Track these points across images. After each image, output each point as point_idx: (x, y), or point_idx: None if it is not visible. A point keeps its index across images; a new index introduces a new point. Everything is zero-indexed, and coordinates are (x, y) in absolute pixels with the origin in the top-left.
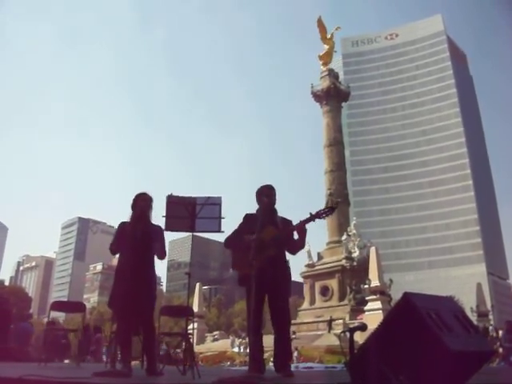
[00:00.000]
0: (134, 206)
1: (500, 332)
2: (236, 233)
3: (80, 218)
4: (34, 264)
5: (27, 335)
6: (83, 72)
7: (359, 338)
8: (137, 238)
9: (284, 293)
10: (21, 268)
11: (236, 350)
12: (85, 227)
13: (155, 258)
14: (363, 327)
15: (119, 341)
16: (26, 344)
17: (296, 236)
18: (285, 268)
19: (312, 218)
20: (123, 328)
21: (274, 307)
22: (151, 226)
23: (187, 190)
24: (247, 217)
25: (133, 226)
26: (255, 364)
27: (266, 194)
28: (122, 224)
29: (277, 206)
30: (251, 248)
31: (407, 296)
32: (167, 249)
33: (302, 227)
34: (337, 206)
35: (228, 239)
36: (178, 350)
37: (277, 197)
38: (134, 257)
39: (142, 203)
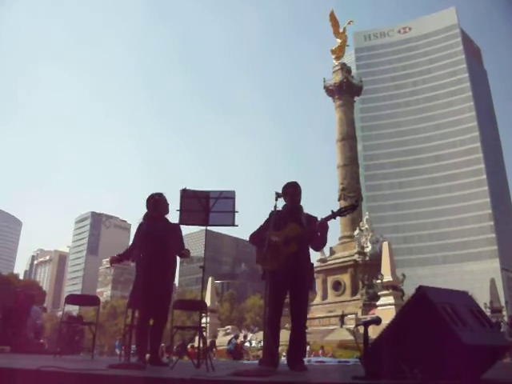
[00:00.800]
0: (149, 206)
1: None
2: (261, 229)
3: (93, 213)
4: (47, 258)
5: (39, 320)
6: (98, 66)
7: (372, 332)
8: (155, 237)
9: (306, 289)
10: (35, 262)
11: (248, 344)
12: (98, 222)
13: (176, 255)
14: (378, 321)
15: (136, 334)
16: (39, 332)
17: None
18: (308, 264)
19: (333, 215)
20: (141, 322)
21: (295, 303)
22: (169, 224)
23: (200, 184)
24: (272, 213)
25: (150, 225)
26: (269, 357)
27: (291, 193)
28: (140, 225)
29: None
30: (274, 244)
31: (422, 289)
32: None
33: (324, 224)
34: (358, 205)
35: (252, 235)
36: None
37: (301, 194)
38: (153, 255)
39: (156, 203)
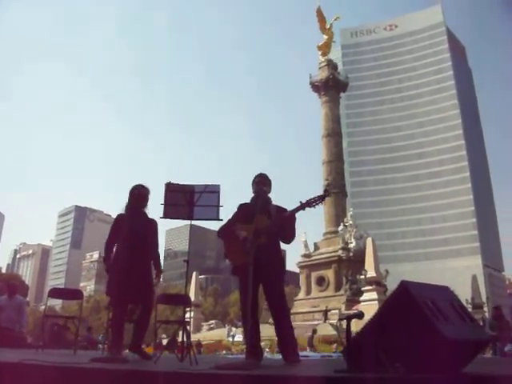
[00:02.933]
0: (130, 198)
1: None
2: (229, 222)
3: (77, 207)
4: (30, 252)
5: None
6: (88, 56)
7: (355, 327)
8: (134, 230)
9: (278, 280)
10: (17, 256)
11: (231, 339)
12: (81, 215)
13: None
14: (360, 315)
15: (113, 328)
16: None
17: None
18: (278, 256)
19: (302, 206)
20: (118, 316)
21: (270, 295)
22: (148, 219)
23: (185, 178)
24: (241, 206)
25: (130, 219)
26: (252, 351)
27: (257, 183)
28: (119, 216)
29: (274, 196)
30: (240, 237)
31: (404, 284)
32: (164, 239)
33: (291, 216)
34: (327, 194)
35: (221, 229)
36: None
37: (271, 185)
38: (131, 248)
39: (139, 195)
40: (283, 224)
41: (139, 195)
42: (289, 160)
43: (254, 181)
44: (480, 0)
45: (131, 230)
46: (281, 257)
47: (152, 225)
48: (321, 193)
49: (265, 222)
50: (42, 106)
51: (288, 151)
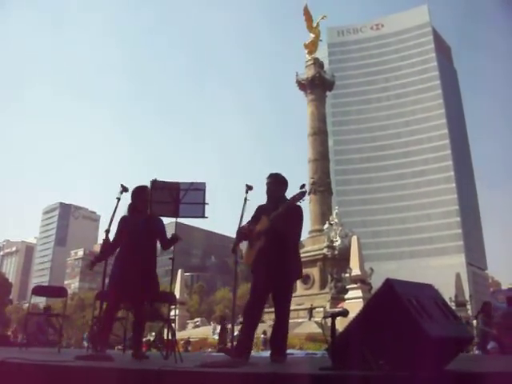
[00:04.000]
0: (133, 199)
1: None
2: (247, 224)
3: (61, 204)
4: (14, 249)
5: None
6: (73, 55)
7: (339, 325)
8: (135, 231)
9: (291, 286)
10: (1, 253)
11: (216, 337)
12: (66, 212)
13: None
14: (345, 313)
15: (103, 324)
16: None
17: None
18: (285, 255)
19: (289, 204)
20: (108, 313)
21: (279, 299)
22: (151, 219)
23: (171, 175)
24: (257, 208)
25: (132, 219)
26: (242, 349)
27: (267, 183)
28: (122, 218)
29: (259, 195)
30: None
31: (389, 282)
32: None
33: (282, 215)
34: (305, 190)
35: (237, 232)
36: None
37: (284, 184)
38: (132, 248)
39: (143, 196)
40: (283, 222)
41: (141, 196)
42: (274, 158)
43: (266, 181)
44: (466, 1)
45: (133, 231)
46: (294, 257)
47: (156, 224)
48: (300, 189)
49: (266, 223)
50: (27, 101)
51: (273, 149)
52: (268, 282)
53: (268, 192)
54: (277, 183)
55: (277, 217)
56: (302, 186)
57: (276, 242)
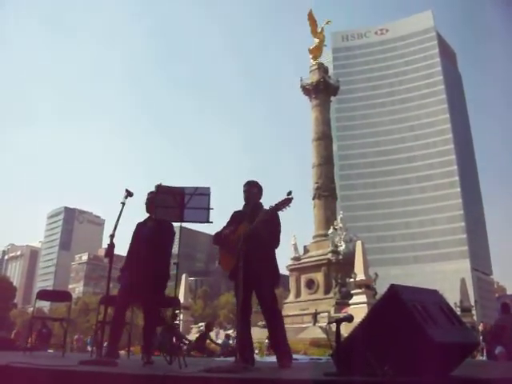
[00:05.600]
0: (145, 204)
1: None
2: (222, 229)
3: (66, 208)
4: (19, 253)
5: None
6: (74, 62)
7: (344, 330)
8: (142, 236)
9: (268, 285)
10: (5, 257)
11: (220, 341)
12: (71, 217)
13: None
14: (350, 318)
15: (112, 329)
16: None
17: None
18: (269, 261)
19: (271, 211)
20: (115, 318)
21: (261, 300)
22: (159, 224)
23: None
24: (233, 214)
25: (142, 225)
26: (243, 354)
27: (245, 191)
28: (137, 224)
29: (263, 200)
30: (227, 244)
31: (394, 288)
32: None
33: (262, 222)
34: (292, 197)
35: (215, 236)
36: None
37: (261, 191)
38: (138, 253)
39: (148, 201)
40: (266, 228)
41: (148, 201)
42: (279, 163)
43: (243, 188)
44: (470, 6)
45: (141, 237)
46: (272, 262)
47: (164, 229)
48: (286, 195)
49: (246, 228)
50: (29, 104)
51: (278, 154)
52: (247, 286)
53: (246, 198)
54: (254, 190)
55: (260, 222)
56: (289, 193)
57: (256, 248)
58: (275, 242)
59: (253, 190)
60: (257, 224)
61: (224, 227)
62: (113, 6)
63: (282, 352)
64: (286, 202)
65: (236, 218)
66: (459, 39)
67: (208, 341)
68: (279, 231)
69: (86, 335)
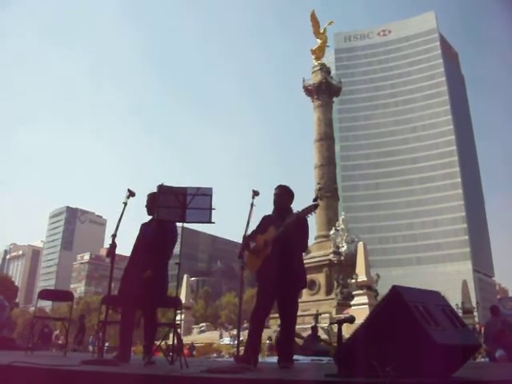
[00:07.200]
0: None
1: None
2: (252, 233)
3: (68, 208)
4: (20, 253)
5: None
6: (74, 64)
7: (346, 331)
8: (143, 236)
9: (296, 294)
10: (7, 257)
11: (224, 342)
12: (73, 217)
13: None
14: (351, 319)
15: (121, 328)
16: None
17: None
18: (292, 265)
19: (299, 217)
20: (122, 320)
21: (280, 304)
22: (159, 224)
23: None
24: (263, 218)
25: (144, 226)
26: (249, 354)
27: (275, 194)
28: (142, 225)
29: (266, 202)
30: (254, 249)
31: (396, 289)
32: None
33: (291, 227)
34: (318, 204)
35: (244, 238)
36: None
37: (291, 195)
38: (137, 254)
39: (148, 201)
40: (293, 233)
41: (148, 203)
42: (281, 163)
43: (274, 192)
44: (473, 7)
45: (142, 237)
46: (300, 266)
47: (166, 229)
48: (312, 202)
49: (273, 233)
50: (30, 105)
51: (280, 154)
52: (275, 289)
53: (275, 203)
54: (284, 195)
55: (289, 225)
56: (315, 199)
57: (284, 251)
58: (303, 246)
59: (283, 194)
60: (286, 228)
61: (253, 231)
62: (111, 9)
63: (285, 353)
64: (312, 209)
65: (265, 222)
66: (462, 40)
67: None
68: (307, 236)
69: (87, 335)
